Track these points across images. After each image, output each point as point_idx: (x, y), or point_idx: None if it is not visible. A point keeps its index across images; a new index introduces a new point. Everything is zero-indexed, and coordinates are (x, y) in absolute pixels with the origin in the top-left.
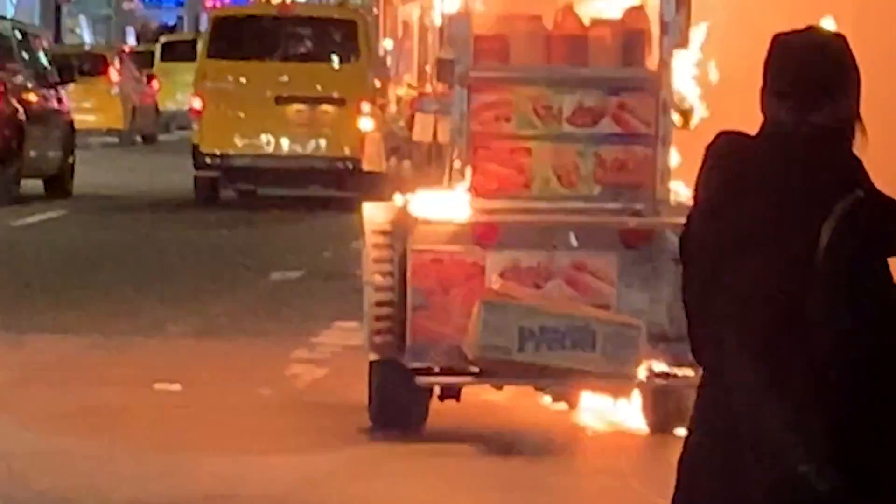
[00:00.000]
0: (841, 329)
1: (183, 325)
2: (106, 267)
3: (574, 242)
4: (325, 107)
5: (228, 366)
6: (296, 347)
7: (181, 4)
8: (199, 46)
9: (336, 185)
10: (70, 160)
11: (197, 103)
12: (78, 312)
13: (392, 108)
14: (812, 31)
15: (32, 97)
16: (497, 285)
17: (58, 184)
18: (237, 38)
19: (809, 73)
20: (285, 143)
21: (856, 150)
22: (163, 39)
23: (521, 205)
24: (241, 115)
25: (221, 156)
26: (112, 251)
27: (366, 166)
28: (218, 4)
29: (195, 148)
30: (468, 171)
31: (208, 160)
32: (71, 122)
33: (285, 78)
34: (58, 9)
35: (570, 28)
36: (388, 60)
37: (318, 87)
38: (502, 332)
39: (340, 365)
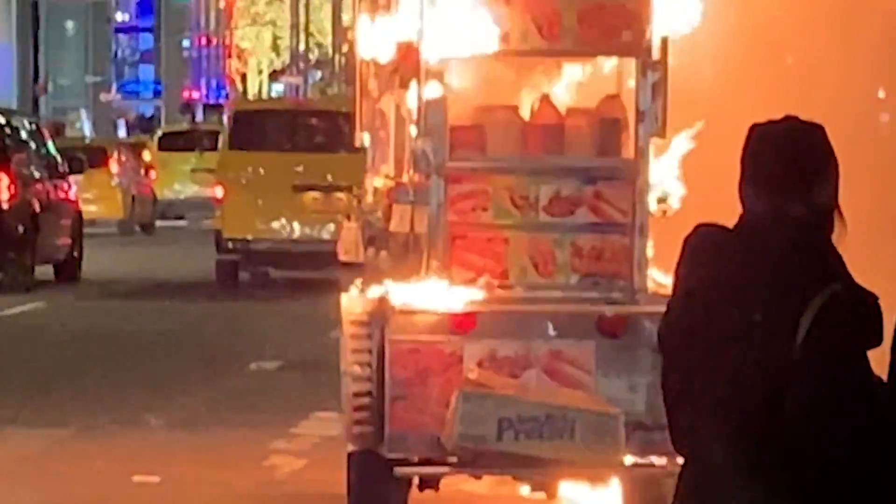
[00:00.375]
0: (818, 421)
1: (162, 415)
2: (88, 356)
3: (551, 331)
4: (339, 194)
5: (207, 457)
6: (274, 438)
7: (158, 95)
8: (221, 138)
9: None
10: (78, 247)
11: (219, 192)
12: (58, 403)
13: (369, 198)
14: (789, 120)
15: (44, 187)
16: (475, 375)
17: (67, 270)
18: (256, 131)
19: (786, 164)
20: (302, 228)
21: (834, 241)
22: (160, 130)
23: (499, 294)
24: (261, 202)
25: (242, 240)
26: (94, 340)
27: (342, 257)
28: (195, 95)
29: (217, 233)
30: (445, 261)
31: (230, 244)
32: (79, 211)
33: (301, 168)
34: (35, 101)
35: (546, 117)
36: (368, 151)
37: (330, 177)
38: (481, 422)
39: (319, 456)
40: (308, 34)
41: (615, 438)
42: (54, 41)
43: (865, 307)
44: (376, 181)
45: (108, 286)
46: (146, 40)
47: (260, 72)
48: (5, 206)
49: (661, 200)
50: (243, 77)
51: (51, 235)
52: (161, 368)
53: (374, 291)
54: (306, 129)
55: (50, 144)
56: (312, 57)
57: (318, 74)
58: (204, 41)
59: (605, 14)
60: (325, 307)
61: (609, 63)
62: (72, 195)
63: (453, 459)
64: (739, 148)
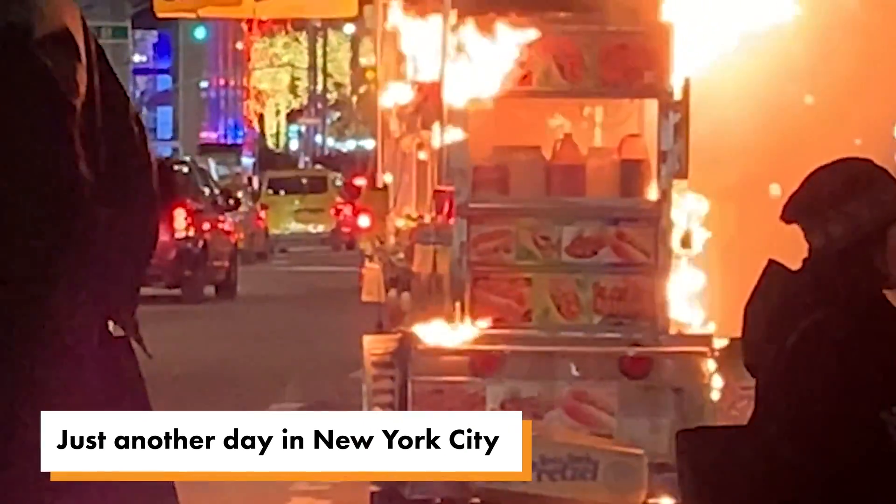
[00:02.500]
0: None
1: None
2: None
3: (574, 372)
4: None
5: (227, 498)
6: (296, 479)
7: (176, 136)
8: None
9: None
10: (234, 270)
11: (364, 221)
12: None
13: (391, 239)
14: (839, 160)
15: (210, 220)
16: None
17: (226, 288)
18: None
19: (804, 199)
20: None
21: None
22: (269, 175)
23: (521, 335)
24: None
25: None
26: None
27: (364, 297)
28: (212, 136)
29: (362, 252)
30: (468, 303)
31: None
32: (235, 241)
33: None
34: None
35: (568, 158)
36: (390, 192)
37: None
38: None
39: (341, 497)
40: (326, 75)
41: (638, 479)
42: None
43: (845, 336)
44: (398, 222)
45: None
46: (164, 81)
47: (277, 112)
48: (183, 235)
49: (685, 241)
50: (261, 118)
51: (215, 259)
52: (177, 405)
53: (397, 332)
54: None
55: (212, 184)
56: (330, 97)
57: (336, 115)
58: (222, 82)
59: (626, 55)
60: (348, 348)
61: (631, 102)
62: (228, 227)
63: (476, 500)
64: (764, 189)
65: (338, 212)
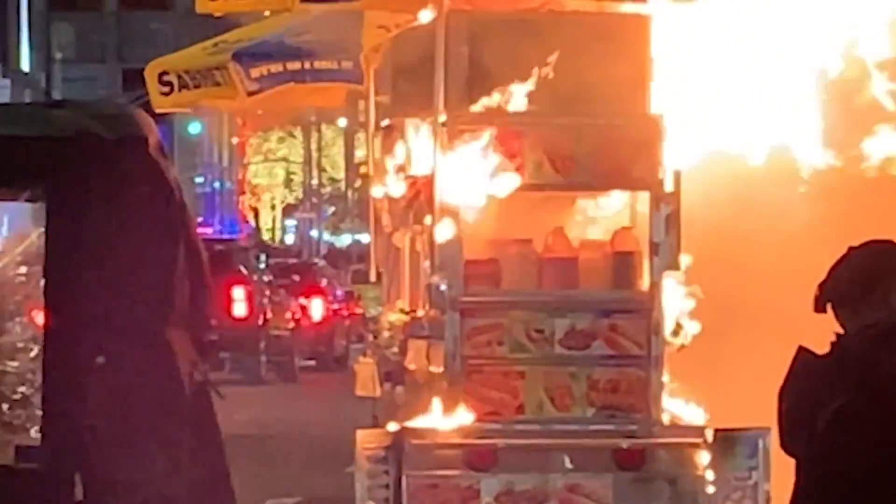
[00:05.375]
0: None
1: None
2: None
3: (568, 465)
4: None
5: None
6: None
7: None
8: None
9: None
10: (348, 346)
11: None
12: None
13: (385, 333)
14: (867, 243)
15: (337, 307)
16: None
17: (343, 361)
18: None
19: (843, 284)
20: None
21: None
22: (352, 268)
23: (515, 428)
24: None
25: None
26: None
27: (359, 391)
28: (207, 231)
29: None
30: (462, 396)
31: None
32: (348, 324)
33: None
34: None
35: (560, 251)
36: (383, 286)
37: None
38: None
39: None
40: (321, 170)
41: None
42: None
43: (857, 427)
44: (392, 316)
45: None
46: None
47: (273, 207)
48: (319, 320)
49: (676, 333)
50: (256, 212)
51: (337, 339)
52: None
53: (391, 426)
54: None
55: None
56: (325, 192)
57: (331, 209)
58: (217, 177)
59: (617, 147)
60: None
61: (622, 195)
62: (343, 312)
63: None
64: (755, 275)
65: None
